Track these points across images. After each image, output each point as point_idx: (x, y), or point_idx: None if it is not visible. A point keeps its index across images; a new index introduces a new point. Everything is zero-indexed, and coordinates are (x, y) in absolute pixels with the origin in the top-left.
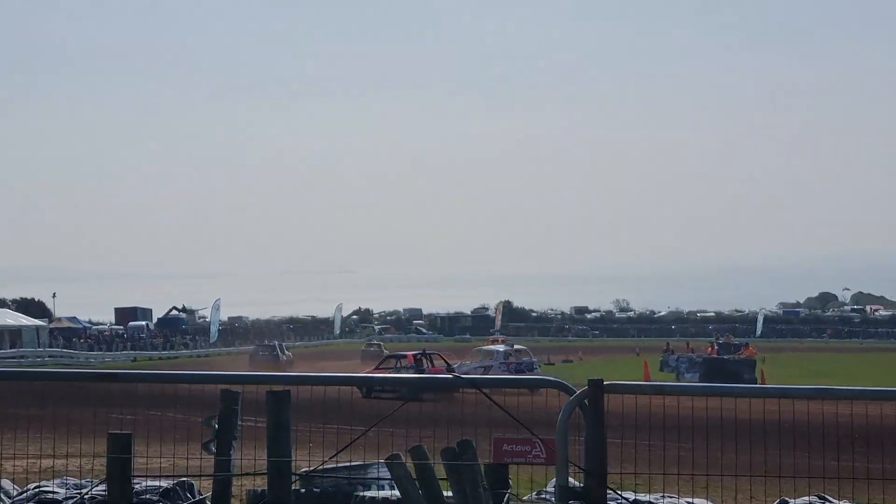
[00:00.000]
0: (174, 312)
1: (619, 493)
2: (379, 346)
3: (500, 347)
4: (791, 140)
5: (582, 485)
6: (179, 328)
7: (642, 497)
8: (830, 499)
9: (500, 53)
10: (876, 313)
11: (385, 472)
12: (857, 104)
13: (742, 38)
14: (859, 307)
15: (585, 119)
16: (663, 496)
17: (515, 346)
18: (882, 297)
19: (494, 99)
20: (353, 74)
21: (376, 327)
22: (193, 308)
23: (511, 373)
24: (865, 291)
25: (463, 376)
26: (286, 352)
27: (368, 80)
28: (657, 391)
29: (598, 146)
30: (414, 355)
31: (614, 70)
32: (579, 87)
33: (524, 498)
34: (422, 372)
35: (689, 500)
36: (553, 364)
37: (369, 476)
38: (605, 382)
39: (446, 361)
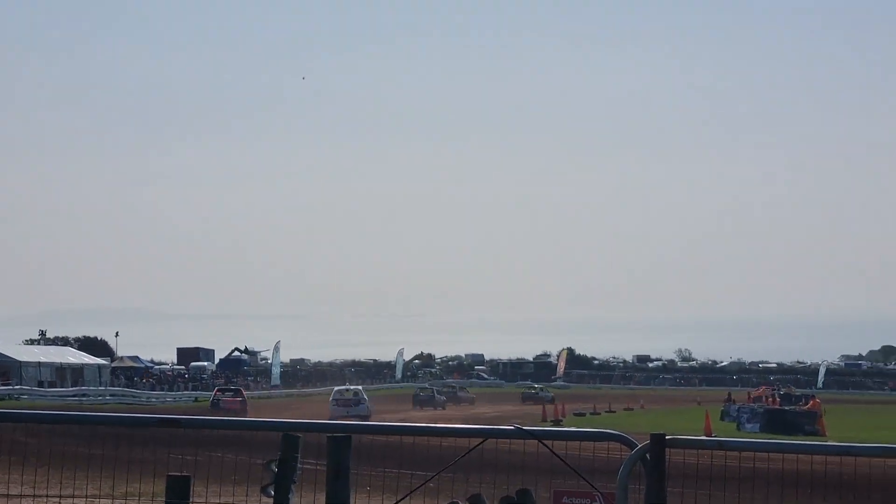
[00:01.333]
0: (236, 353)
1: None
2: (432, 391)
3: None
4: (847, 193)
5: None
6: (241, 369)
7: None
8: None
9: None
10: None
11: None
12: None
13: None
14: None
15: (653, 167)
16: None
17: None
18: None
19: (565, 146)
20: (423, 116)
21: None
22: (256, 349)
23: None
24: None
25: (524, 428)
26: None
27: (435, 121)
28: (718, 446)
29: (664, 195)
30: None
31: (686, 117)
32: (648, 135)
33: None
34: None
35: None
36: (614, 412)
37: None
38: (667, 437)
39: None
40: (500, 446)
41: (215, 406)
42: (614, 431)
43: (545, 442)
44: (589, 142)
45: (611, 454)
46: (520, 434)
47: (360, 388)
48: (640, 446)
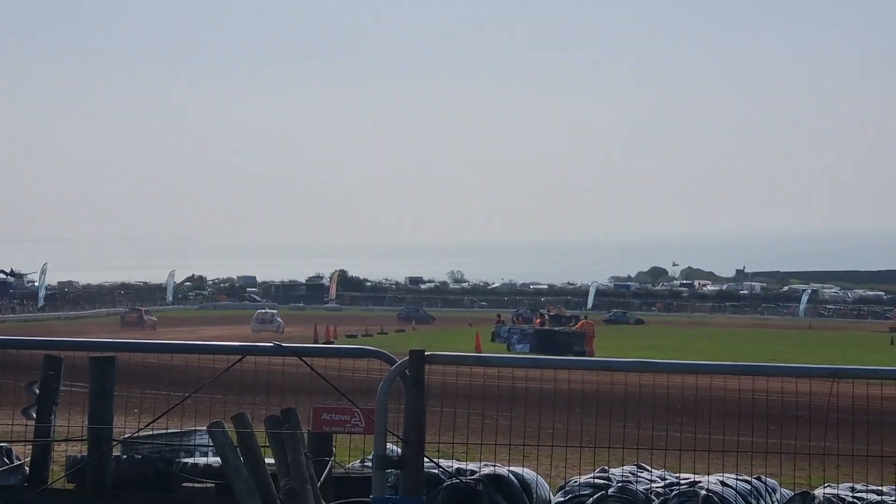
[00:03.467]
0: (1, 276)
1: (437, 461)
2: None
3: None
4: (632, 122)
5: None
6: (7, 292)
7: (462, 466)
8: (647, 467)
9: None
10: (703, 288)
11: (207, 440)
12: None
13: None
14: (688, 282)
15: (425, 94)
16: (483, 464)
17: None
18: (710, 273)
19: (347, 66)
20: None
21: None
22: (22, 272)
23: None
24: (695, 267)
25: (285, 345)
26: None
27: (208, 48)
28: (479, 362)
29: (436, 119)
30: None
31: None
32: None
33: (347, 466)
34: None
35: (511, 468)
36: (386, 333)
37: (191, 443)
38: (426, 353)
39: None
40: (260, 366)
41: None
42: (373, 348)
43: (304, 359)
44: (372, 60)
45: (370, 374)
46: (279, 351)
47: (275, 311)
48: (399, 362)
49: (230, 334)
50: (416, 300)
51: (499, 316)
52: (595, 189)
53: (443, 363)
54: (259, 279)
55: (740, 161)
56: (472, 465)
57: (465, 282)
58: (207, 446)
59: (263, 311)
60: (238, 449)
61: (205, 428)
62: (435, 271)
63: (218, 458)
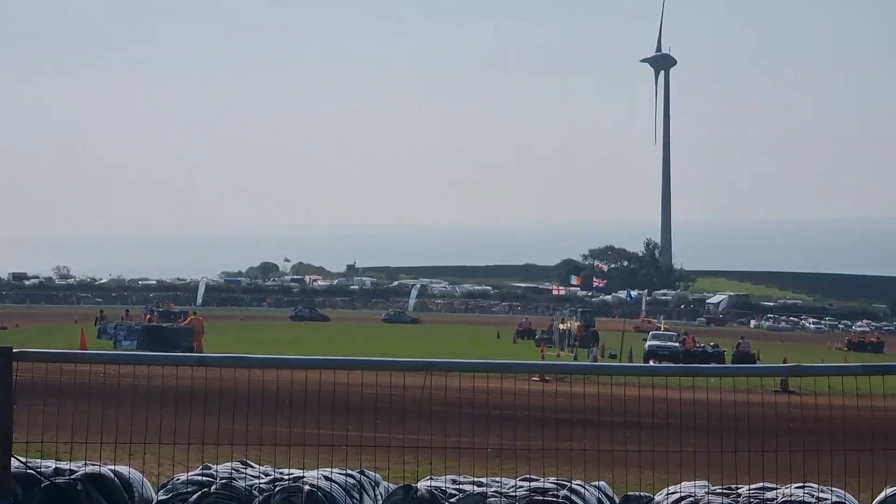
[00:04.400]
0: None
1: (25, 461)
2: None
3: None
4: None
5: None
6: None
7: (63, 465)
8: (252, 463)
9: None
10: (315, 283)
11: None
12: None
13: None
14: (299, 277)
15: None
16: (85, 464)
17: None
18: (321, 268)
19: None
20: None
21: None
22: None
23: None
24: (306, 262)
25: None
26: None
27: None
28: (71, 359)
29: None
30: None
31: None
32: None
33: None
34: None
35: (113, 467)
36: None
37: None
38: (14, 350)
39: None
40: None
41: None
42: None
43: None
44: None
45: None
46: None
47: None
48: None
49: None
50: (19, 297)
51: (101, 312)
52: (197, 185)
53: (34, 360)
54: None
55: (348, 158)
56: (73, 465)
57: (71, 277)
58: None
59: None
60: None
61: None
62: (39, 267)
63: None
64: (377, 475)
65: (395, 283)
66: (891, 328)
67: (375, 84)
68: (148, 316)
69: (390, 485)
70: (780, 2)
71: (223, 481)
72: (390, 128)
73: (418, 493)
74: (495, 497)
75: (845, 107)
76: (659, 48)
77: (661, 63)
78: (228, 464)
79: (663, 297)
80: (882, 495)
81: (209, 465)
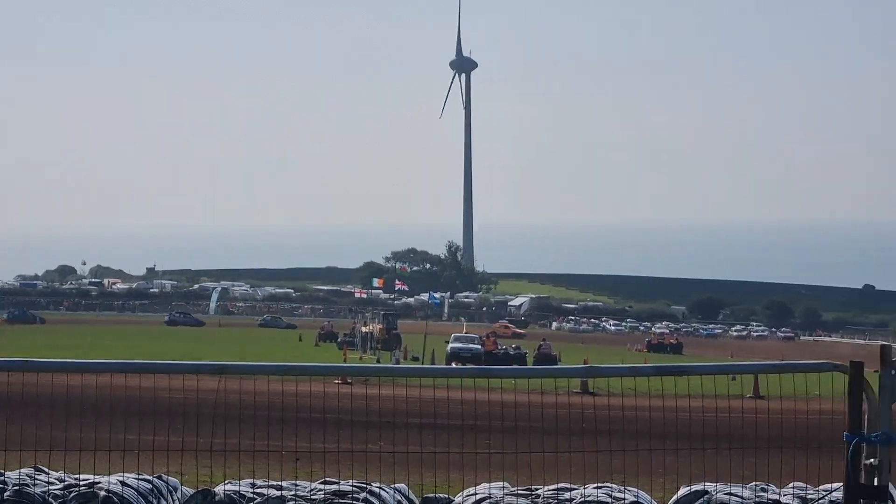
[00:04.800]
0: None
1: None
2: None
3: None
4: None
5: None
6: None
7: None
8: (45, 469)
9: None
10: (114, 286)
11: None
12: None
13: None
14: (97, 280)
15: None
16: None
17: None
18: (121, 271)
19: None
20: None
21: None
22: None
23: None
24: (104, 265)
25: None
26: None
27: None
28: None
29: None
30: None
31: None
32: None
33: None
34: None
35: None
36: None
37: None
38: None
39: None
40: None
41: None
42: None
43: None
44: None
45: None
46: None
47: None
48: None
49: None
50: None
51: None
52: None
53: None
54: None
55: (147, 158)
56: None
57: None
58: None
59: None
60: None
61: None
62: None
63: None
64: (175, 480)
65: (196, 286)
66: (689, 330)
67: (175, 83)
68: None
69: (188, 489)
70: (582, 3)
71: (16, 488)
72: (191, 129)
73: (216, 498)
74: (293, 500)
75: (666, 105)
76: (459, 52)
77: (463, 66)
78: (21, 469)
79: (466, 300)
80: (676, 496)
81: (2, 471)
